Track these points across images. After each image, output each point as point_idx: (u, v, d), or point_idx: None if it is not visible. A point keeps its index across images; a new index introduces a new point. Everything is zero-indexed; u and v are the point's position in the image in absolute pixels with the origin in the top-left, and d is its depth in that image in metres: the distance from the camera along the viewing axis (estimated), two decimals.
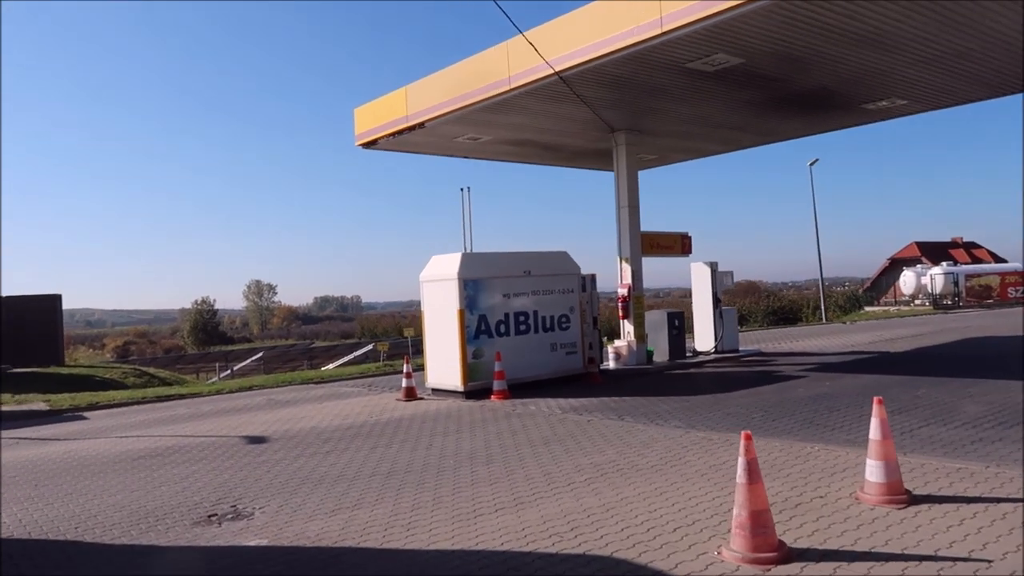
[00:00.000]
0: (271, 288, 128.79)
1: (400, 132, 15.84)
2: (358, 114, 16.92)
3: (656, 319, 17.08)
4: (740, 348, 18.54)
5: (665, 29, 10.44)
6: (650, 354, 16.62)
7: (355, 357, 28.03)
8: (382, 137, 16.33)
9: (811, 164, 32.92)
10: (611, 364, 16.15)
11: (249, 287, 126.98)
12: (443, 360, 13.49)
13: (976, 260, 58.67)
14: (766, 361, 16.85)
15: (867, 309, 38.70)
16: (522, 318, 13.92)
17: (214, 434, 10.96)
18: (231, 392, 16.31)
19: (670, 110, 15.00)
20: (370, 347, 28.87)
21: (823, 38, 10.96)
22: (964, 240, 67.84)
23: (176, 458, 9.29)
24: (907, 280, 39.36)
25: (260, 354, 33.83)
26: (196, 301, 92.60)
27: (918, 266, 40.61)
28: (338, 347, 42.26)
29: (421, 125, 15.30)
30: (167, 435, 11.06)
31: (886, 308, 37.92)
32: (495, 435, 9.63)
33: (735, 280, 19.29)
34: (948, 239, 68.17)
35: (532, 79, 12.64)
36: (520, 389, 13.20)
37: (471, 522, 5.98)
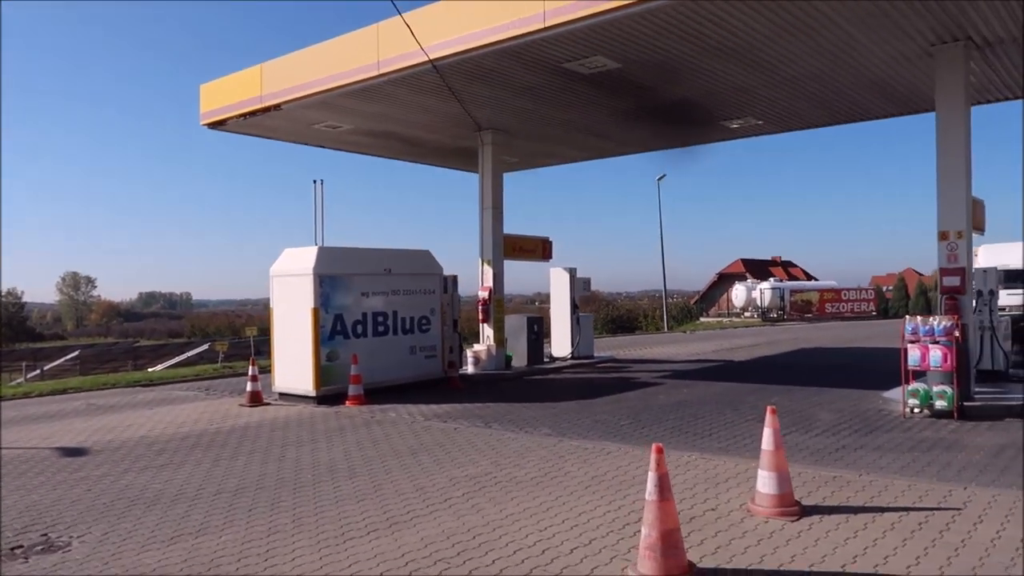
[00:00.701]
0: (89, 281, 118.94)
1: (253, 113, 14.59)
2: (205, 91, 15.44)
3: (515, 324, 16.82)
4: (595, 354, 18.66)
5: (547, 24, 10.11)
6: (509, 359, 16.30)
7: (188, 358, 25.74)
8: (232, 118, 14.97)
9: (659, 179, 34.27)
10: (470, 369, 15.67)
11: (64, 279, 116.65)
12: (293, 362, 12.46)
13: (792, 277, 63.73)
14: (621, 367, 17.00)
15: (702, 320, 40.75)
16: (381, 319, 13.15)
17: (20, 445, 9.40)
18: (41, 395, 14.32)
19: (539, 112, 14.77)
20: (205, 347, 26.70)
21: (698, 49, 11.06)
22: (782, 259, 73.81)
23: None
24: (738, 293, 41.84)
25: (76, 353, 30.32)
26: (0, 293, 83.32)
27: (748, 281, 43.34)
28: (167, 346, 39.04)
29: (277, 107, 14.14)
30: None
31: (720, 319, 40.10)
32: (355, 445, 8.85)
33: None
34: (769, 257, 73.90)
35: (403, 66, 11.93)
36: (377, 394, 12.43)
37: (341, 547, 5.25)
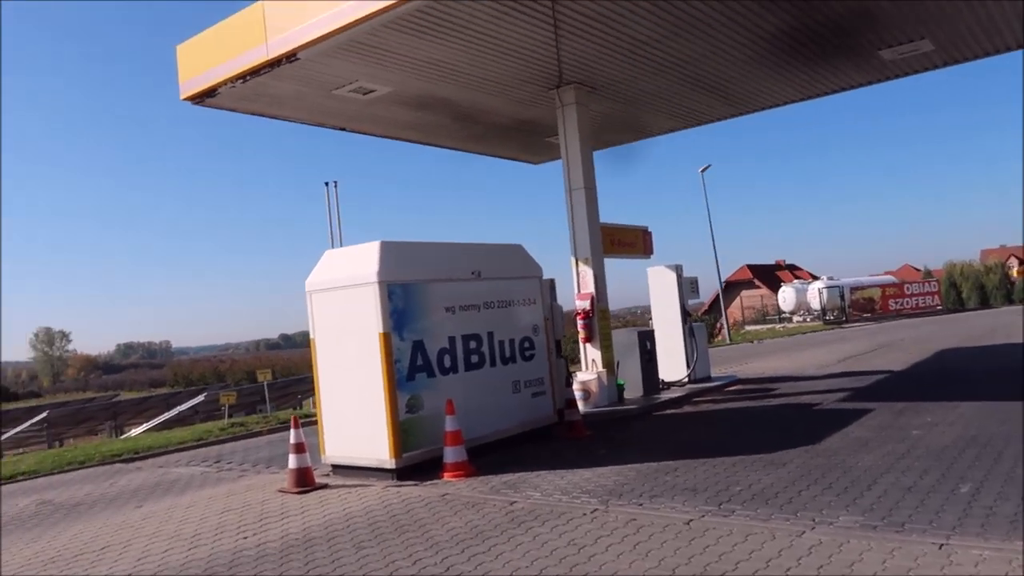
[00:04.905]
0: (64, 335, 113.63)
1: (256, 71, 10.42)
2: (183, 53, 11.20)
3: (623, 341, 12.60)
4: (712, 374, 14.50)
5: None
6: (621, 388, 12.12)
7: (180, 413, 21.25)
8: (225, 82, 10.77)
9: (703, 171, 30.22)
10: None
11: (37, 335, 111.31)
12: (354, 418, 8.20)
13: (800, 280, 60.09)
14: (764, 391, 12.82)
15: (749, 328, 36.71)
16: (473, 344, 8.92)
17: None
18: None
19: (650, 50, 10.86)
20: (201, 398, 22.26)
21: None
22: (786, 262, 70.34)
23: None
24: (786, 296, 37.91)
25: (44, 415, 25.42)
26: None
27: (795, 282, 39.46)
28: (151, 399, 34.13)
29: (291, 57, 10.00)
30: None
31: (771, 326, 36.06)
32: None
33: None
34: (772, 261, 70.36)
35: None
36: (480, 456, 8.19)
37: None
